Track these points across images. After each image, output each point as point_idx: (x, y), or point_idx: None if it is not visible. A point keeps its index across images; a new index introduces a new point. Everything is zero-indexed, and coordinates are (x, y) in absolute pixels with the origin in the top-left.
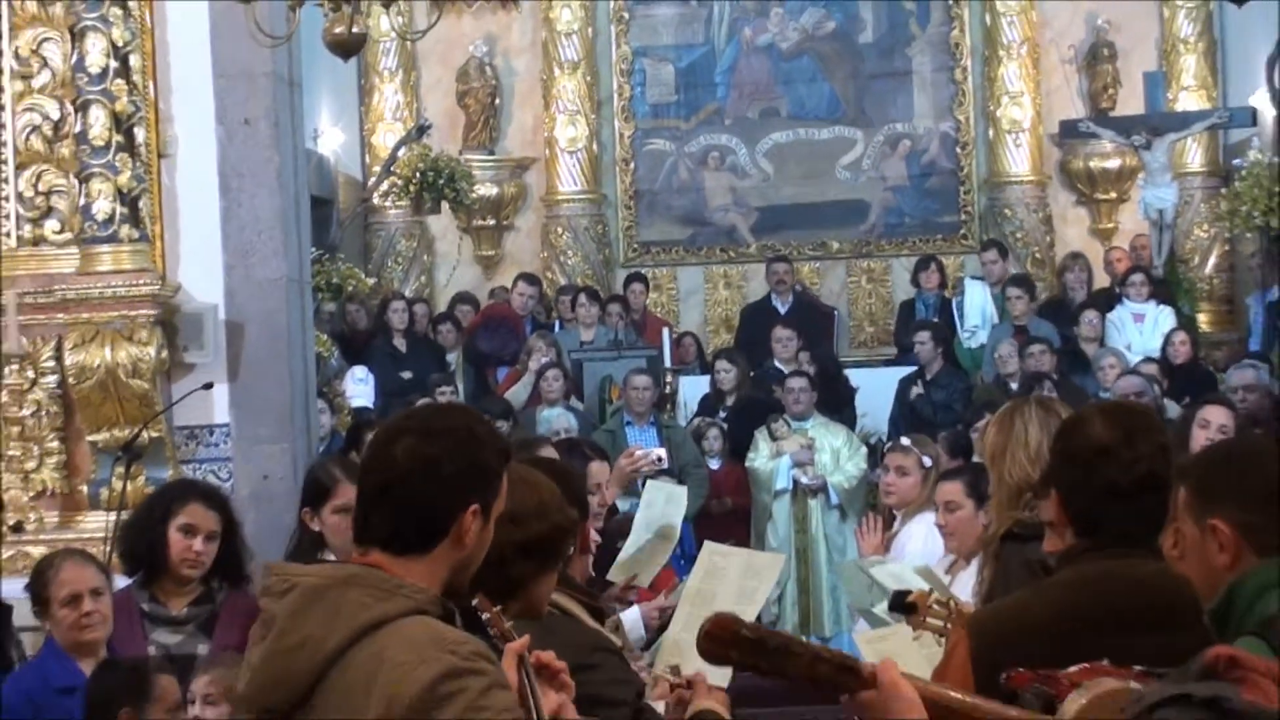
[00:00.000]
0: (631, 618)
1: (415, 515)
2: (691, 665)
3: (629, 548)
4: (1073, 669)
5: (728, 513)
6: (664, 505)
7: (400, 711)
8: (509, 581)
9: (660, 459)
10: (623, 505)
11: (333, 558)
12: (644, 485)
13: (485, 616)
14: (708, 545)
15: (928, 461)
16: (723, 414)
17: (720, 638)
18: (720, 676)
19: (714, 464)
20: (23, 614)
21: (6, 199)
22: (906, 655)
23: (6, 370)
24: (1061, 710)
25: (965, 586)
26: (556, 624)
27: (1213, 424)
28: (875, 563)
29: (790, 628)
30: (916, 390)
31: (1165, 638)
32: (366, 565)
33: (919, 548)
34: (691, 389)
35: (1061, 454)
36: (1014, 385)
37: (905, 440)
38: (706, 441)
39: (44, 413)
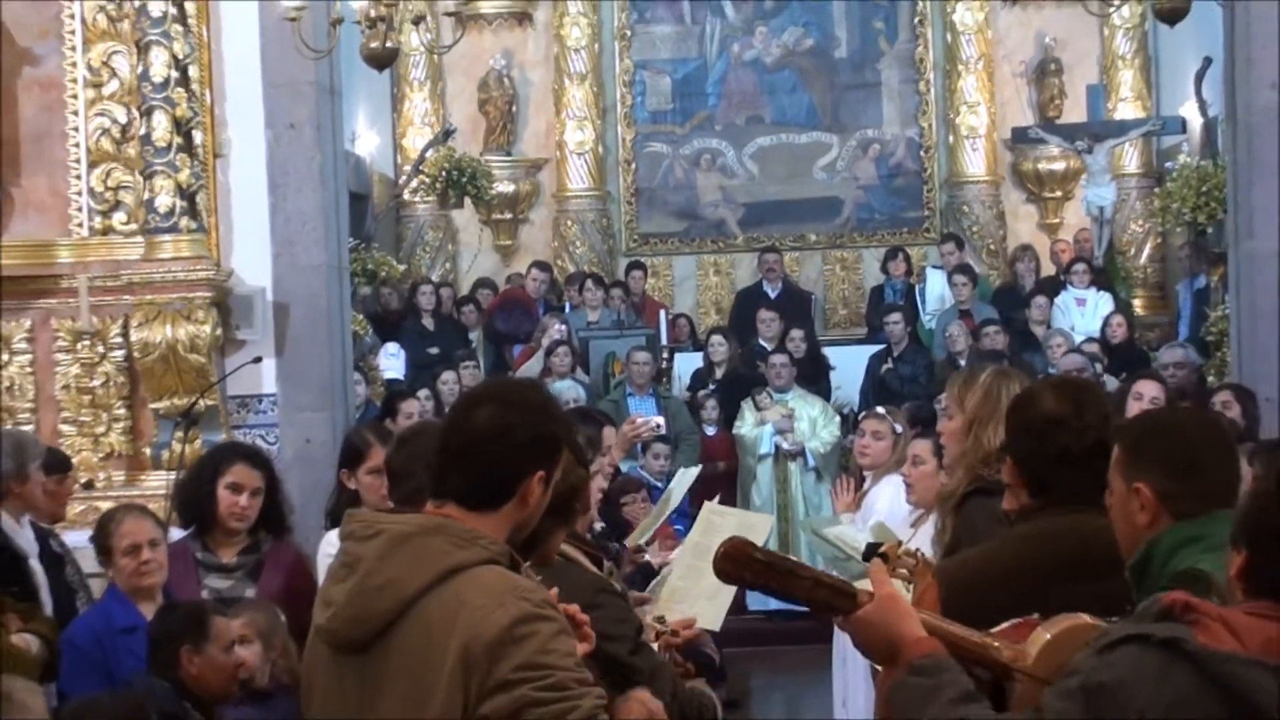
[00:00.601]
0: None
1: (490, 476)
2: (688, 610)
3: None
4: (1005, 625)
5: (719, 474)
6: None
7: (479, 649)
8: (533, 534)
9: (659, 426)
10: (624, 467)
11: None
12: (643, 450)
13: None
14: (707, 505)
15: (899, 428)
16: (713, 386)
17: (736, 559)
18: (720, 606)
19: (710, 430)
20: (89, 563)
21: (80, 194)
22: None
23: (79, 345)
24: (1027, 644)
25: (926, 537)
26: (563, 570)
27: (1145, 396)
28: (826, 522)
29: None
30: (886, 366)
31: (1111, 586)
32: (443, 516)
33: (887, 505)
34: (685, 364)
35: (1017, 425)
36: (962, 361)
37: (880, 409)
38: (705, 411)
39: (112, 383)
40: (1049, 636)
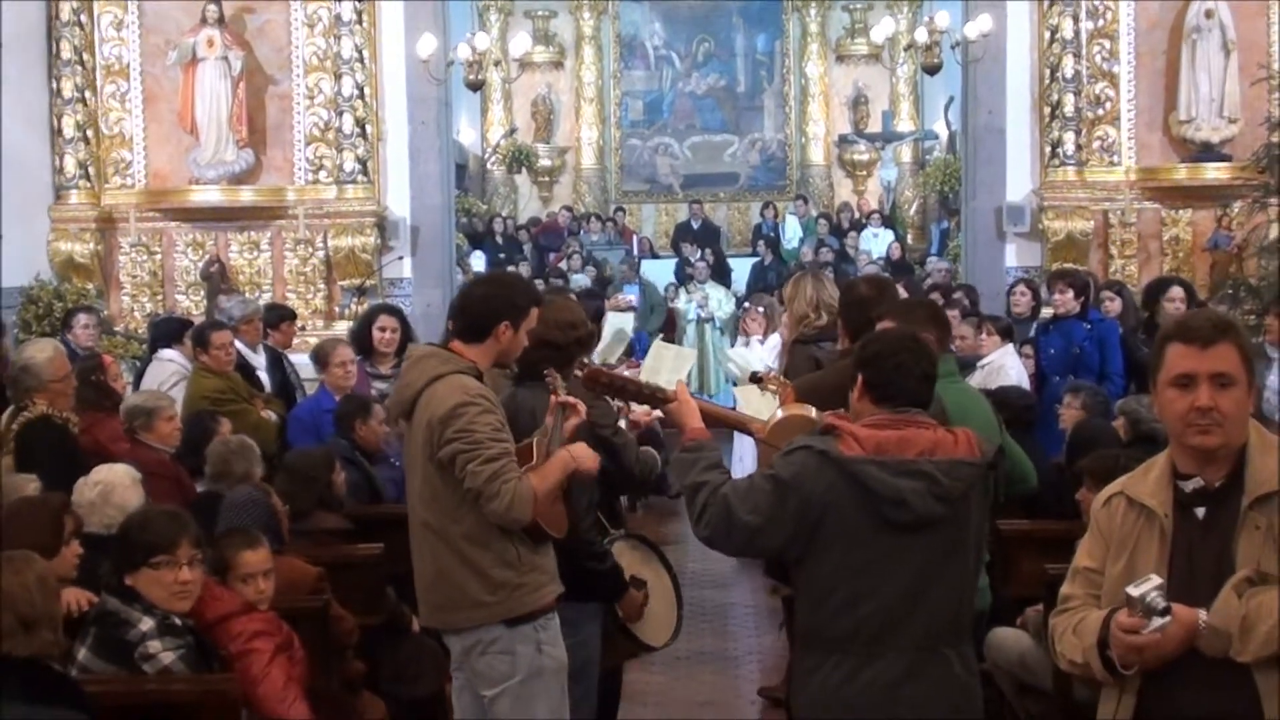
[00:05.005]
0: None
1: (474, 323)
2: None
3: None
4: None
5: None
6: (619, 328)
7: (435, 421)
8: (568, 361)
9: (631, 301)
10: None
11: None
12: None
13: (548, 380)
14: (656, 342)
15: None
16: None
17: (594, 378)
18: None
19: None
20: (306, 372)
21: (300, 160)
22: (758, 401)
23: (298, 247)
24: (770, 419)
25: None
26: (577, 384)
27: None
28: (728, 354)
29: (695, 388)
30: (760, 271)
31: None
32: (445, 347)
33: (764, 350)
34: (646, 266)
35: (844, 302)
36: (805, 266)
37: (759, 296)
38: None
39: (317, 270)
40: (780, 416)
